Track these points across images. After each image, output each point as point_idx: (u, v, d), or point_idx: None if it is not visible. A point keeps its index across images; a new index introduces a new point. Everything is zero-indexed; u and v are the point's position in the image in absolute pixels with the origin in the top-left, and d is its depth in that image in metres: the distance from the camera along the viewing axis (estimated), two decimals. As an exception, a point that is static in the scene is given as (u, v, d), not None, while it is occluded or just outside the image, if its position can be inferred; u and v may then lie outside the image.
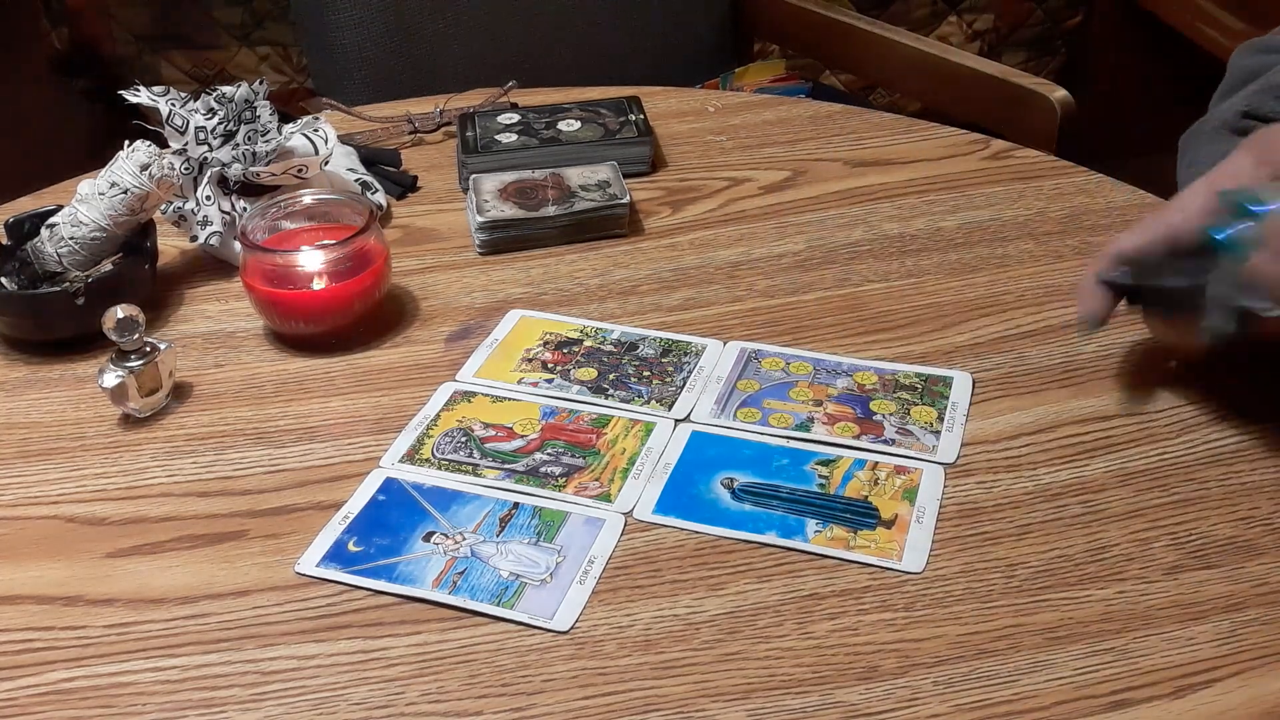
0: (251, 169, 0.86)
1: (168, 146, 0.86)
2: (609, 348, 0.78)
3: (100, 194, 0.81)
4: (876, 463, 0.68)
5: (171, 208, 0.86)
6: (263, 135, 0.87)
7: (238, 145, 0.86)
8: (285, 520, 0.66)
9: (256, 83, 0.89)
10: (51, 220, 0.82)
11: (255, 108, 0.88)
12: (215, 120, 0.86)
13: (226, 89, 0.88)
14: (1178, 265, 0.67)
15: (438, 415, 0.73)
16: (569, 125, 1.00)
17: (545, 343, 0.79)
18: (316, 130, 0.89)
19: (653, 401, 0.73)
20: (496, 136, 0.99)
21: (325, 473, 0.70)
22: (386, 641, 0.59)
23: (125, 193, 0.81)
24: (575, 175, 0.93)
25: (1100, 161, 0.97)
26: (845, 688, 0.55)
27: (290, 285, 0.79)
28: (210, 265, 0.89)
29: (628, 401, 0.73)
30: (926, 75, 1.35)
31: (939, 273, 0.85)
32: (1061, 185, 0.94)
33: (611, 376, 0.76)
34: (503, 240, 0.90)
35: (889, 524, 0.64)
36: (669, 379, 0.75)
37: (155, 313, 0.84)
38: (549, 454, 0.69)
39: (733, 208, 0.94)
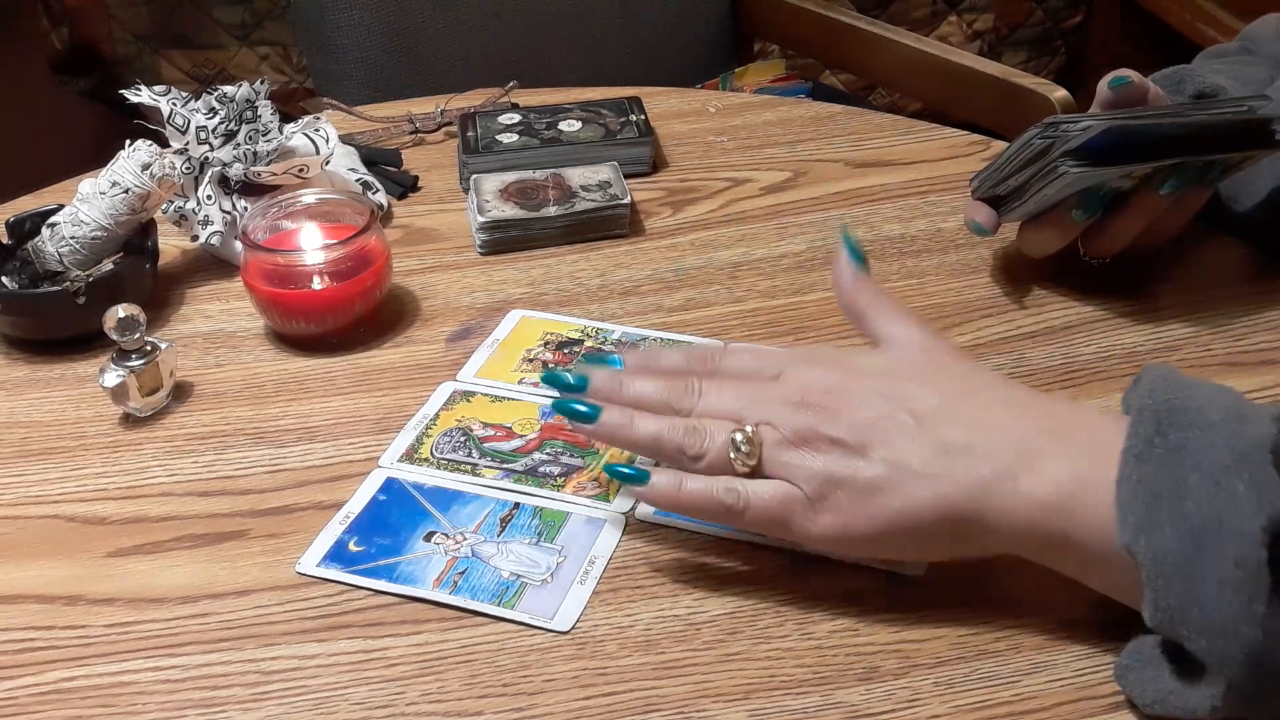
0: (253, 168, 0.86)
1: (169, 146, 0.86)
2: (610, 348, 0.78)
3: (101, 193, 0.81)
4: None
5: (172, 207, 0.86)
6: (264, 135, 0.87)
7: (239, 145, 0.86)
8: (286, 520, 0.66)
9: (258, 82, 0.89)
10: (52, 219, 0.82)
11: (256, 107, 0.88)
12: (216, 120, 0.86)
13: (228, 88, 0.88)
14: (1021, 169, 0.75)
15: (437, 415, 0.73)
16: (570, 125, 1.00)
17: (546, 343, 0.79)
18: (318, 130, 0.89)
19: (653, 402, 0.73)
20: (497, 136, 0.99)
21: (326, 472, 0.70)
22: (387, 641, 0.59)
23: (126, 192, 0.81)
24: (576, 175, 0.93)
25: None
26: (846, 688, 0.55)
27: (291, 285, 0.79)
28: (211, 265, 0.89)
29: (628, 402, 0.73)
30: (926, 75, 1.35)
31: (940, 274, 0.85)
32: (1062, 186, 0.94)
33: (612, 377, 0.76)
34: (504, 240, 0.90)
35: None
36: (670, 379, 0.75)
37: (156, 312, 0.84)
38: (548, 454, 0.69)
39: (733, 208, 0.94)
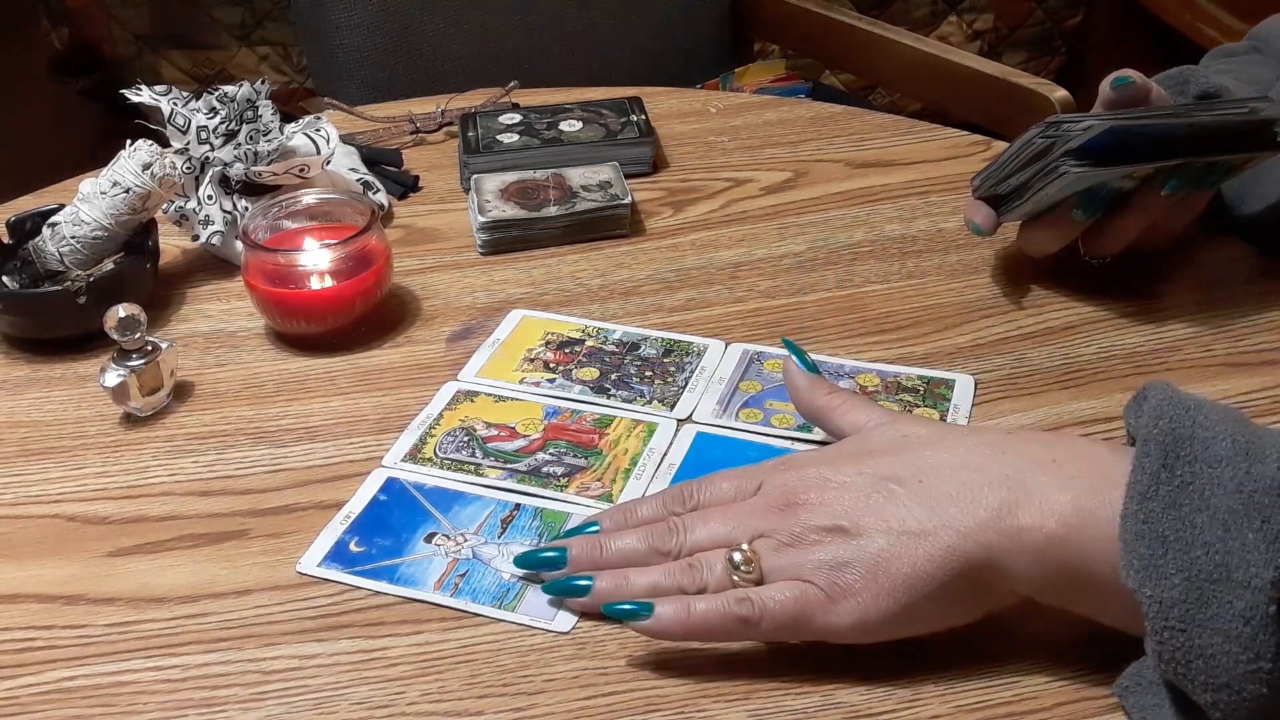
0: (253, 168, 0.86)
1: (169, 146, 0.86)
2: (611, 348, 0.78)
3: (102, 193, 0.81)
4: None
5: (173, 207, 0.86)
6: (264, 135, 0.87)
7: (239, 145, 0.86)
8: (286, 520, 0.66)
9: (258, 82, 0.89)
10: (53, 219, 0.82)
11: (257, 107, 0.88)
12: (217, 119, 0.86)
13: (228, 88, 0.88)
14: (1022, 169, 0.75)
15: (440, 414, 0.73)
16: (571, 125, 1.00)
17: (547, 342, 0.79)
18: (318, 130, 0.89)
19: (654, 401, 0.73)
20: (498, 136, 0.99)
21: (326, 472, 0.70)
22: (387, 641, 0.59)
23: (127, 192, 0.81)
24: (577, 175, 0.93)
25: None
26: (846, 688, 0.55)
27: (292, 285, 0.79)
28: (212, 264, 0.89)
29: (630, 401, 0.73)
30: (926, 75, 1.35)
31: (940, 274, 0.85)
32: (1062, 186, 0.94)
33: (613, 376, 0.76)
34: (504, 240, 0.90)
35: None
36: (671, 379, 0.75)
37: (157, 312, 0.84)
38: (551, 454, 0.69)
39: (734, 208, 0.94)
